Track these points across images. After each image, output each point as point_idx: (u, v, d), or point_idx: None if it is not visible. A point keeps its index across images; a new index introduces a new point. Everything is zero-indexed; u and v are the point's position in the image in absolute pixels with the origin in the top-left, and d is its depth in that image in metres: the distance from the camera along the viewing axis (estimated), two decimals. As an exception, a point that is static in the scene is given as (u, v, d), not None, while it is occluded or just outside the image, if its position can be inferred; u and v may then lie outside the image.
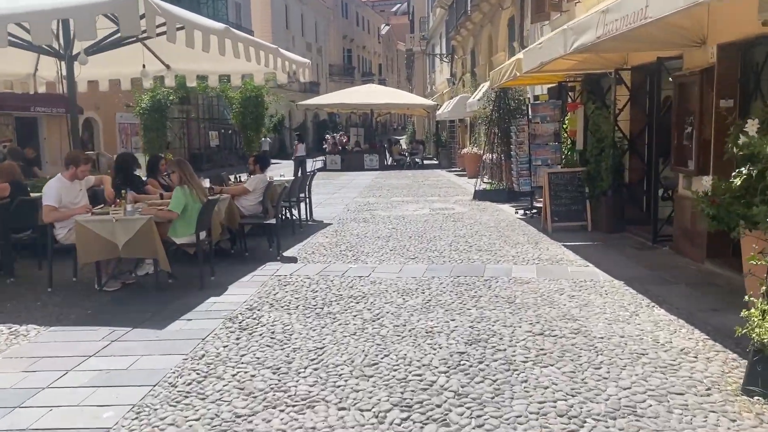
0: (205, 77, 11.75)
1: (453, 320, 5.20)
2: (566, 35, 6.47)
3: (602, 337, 4.70)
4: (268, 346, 4.71)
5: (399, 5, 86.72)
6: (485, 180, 15.01)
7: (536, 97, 12.56)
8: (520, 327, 5.00)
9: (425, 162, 31.05)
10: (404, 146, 36.36)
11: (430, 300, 5.86)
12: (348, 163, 29.20)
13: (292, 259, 7.96)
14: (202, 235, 6.70)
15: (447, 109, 24.49)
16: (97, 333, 5.12)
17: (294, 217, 11.11)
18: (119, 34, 7.25)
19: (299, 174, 21.56)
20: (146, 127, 13.02)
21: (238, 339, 4.90)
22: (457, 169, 26.37)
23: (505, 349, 4.49)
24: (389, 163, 30.95)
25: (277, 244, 8.42)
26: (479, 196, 14.37)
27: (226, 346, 4.75)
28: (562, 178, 9.63)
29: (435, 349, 4.52)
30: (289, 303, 5.91)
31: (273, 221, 7.86)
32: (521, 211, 11.91)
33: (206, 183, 10.53)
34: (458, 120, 28.01)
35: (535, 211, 11.59)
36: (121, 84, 11.19)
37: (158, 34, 6.85)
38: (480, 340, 4.69)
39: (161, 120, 13.01)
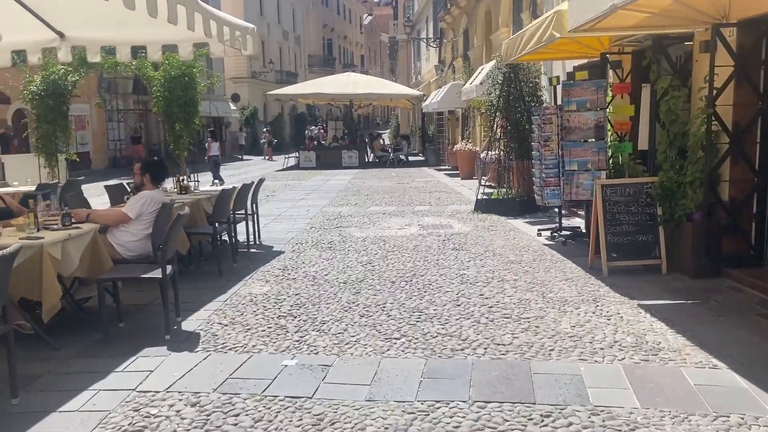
0: (113, 50, 8.46)
1: None
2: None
3: None
4: None
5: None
6: (486, 183, 11.81)
7: (570, 75, 9.44)
8: None
9: (410, 159, 27.83)
10: (387, 141, 33.08)
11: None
12: (324, 160, 25.90)
13: (190, 340, 4.68)
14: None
15: (436, 99, 21.28)
16: None
17: (235, 240, 7.87)
18: None
19: (217, 180, 18.44)
20: (39, 118, 9.61)
21: None
22: (447, 167, 23.23)
23: None
24: (370, 160, 27.72)
25: (175, 308, 5.12)
26: (482, 206, 11.17)
27: None
28: (622, 194, 6.43)
29: None
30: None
31: (158, 274, 4.57)
32: (546, 233, 8.72)
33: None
34: (447, 112, 24.81)
35: (568, 234, 8.41)
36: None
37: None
38: None
39: (59, 109, 9.63)
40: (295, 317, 5.12)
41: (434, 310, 5.22)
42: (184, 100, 9.32)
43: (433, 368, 4.00)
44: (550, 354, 4.19)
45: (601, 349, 4.27)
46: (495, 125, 11.39)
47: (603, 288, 5.82)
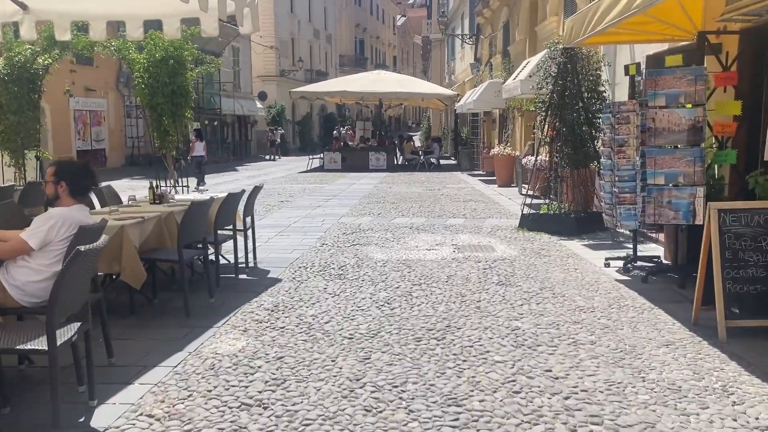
0: (86, 26, 6.89)
1: None
2: None
3: None
4: None
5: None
6: (529, 192, 9.93)
7: (658, 62, 7.50)
8: None
9: (442, 162, 25.97)
10: (418, 143, 31.26)
11: None
12: (350, 162, 24.21)
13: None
14: None
15: (471, 99, 19.41)
16: None
17: (217, 266, 6.19)
18: None
19: (201, 184, 16.79)
20: (2, 108, 8.05)
21: None
22: (481, 172, 21.34)
23: None
24: (399, 163, 25.95)
25: (88, 386, 3.41)
26: (528, 222, 9.30)
27: None
28: (750, 223, 4.53)
29: None
30: None
31: (42, 345, 2.84)
32: (616, 263, 6.83)
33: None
34: (483, 113, 22.92)
35: (649, 267, 6.52)
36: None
37: None
38: None
39: (27, 97, 8.04)
40: (265, 407, 3.36)
41: (480, 402, 3.40)
42: (171, 88, 7.67)
43: None
44: None
45: None
46: (545, 126, 9.51)
47: (728, 364, 3.94)
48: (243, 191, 6.73)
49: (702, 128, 5.87)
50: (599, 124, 9.15)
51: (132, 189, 14.87)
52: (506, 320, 4.91)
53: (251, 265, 7.06)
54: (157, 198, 6.36)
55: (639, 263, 6.71)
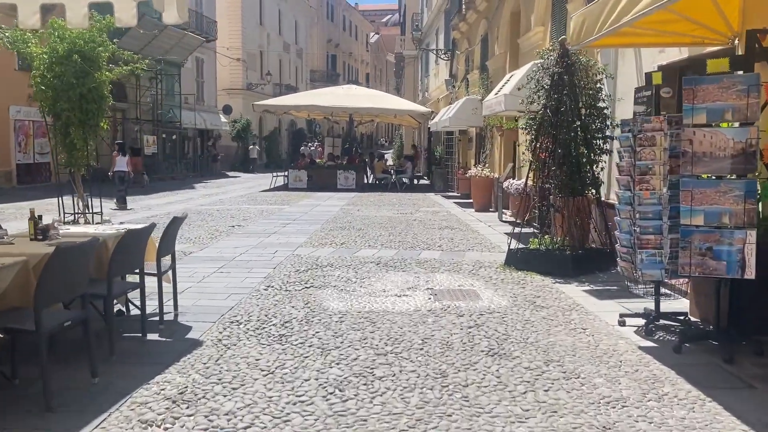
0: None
1: None
2: None
3: None
4: None
5: (390, 16, 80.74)
6: (516, 222, 8.52)
7: (672, 73, 6.09)
8: None
9: (415, 182, 24.59)
10: (390, 162, 29.83)
11: None
12: (317, 181, 22.70)
13: None
14: None
15: (447, 116, 18.09)
16: None
17: (110, 325, 4.62)
18: None
19: (122, 201, 15.55)
20: None
21: None
22: (456, 194, 20.03)
23: None
24: (370, 182, 24.50)
25: None
26: (517, 259, 7.87)
27: None
28: None
29: None
30: None
31: None
32: (633, 320, 5.40)
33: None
34: (458, 132, 21.65)
35: (681, 329, 5.10)
36: None
37: None
38: None
39: None
40: None
41: None
42: (78, 91, 6.10)
43: None
44: None
45: None
46: (536, 148, 8.13)
47: None
48: (153, 224, 5.16)
49: (755, 153, 4.52)
50: (599, 145, 7.84)
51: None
52: (506, 423, 3.42)
53: (170, 317, 5.49)
54: (40, 232, 4.76)
55: (662, 321, 5.31)
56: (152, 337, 5.04)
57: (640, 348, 4.80)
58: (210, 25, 34.51)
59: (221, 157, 34.65)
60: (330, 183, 22.48)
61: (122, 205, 15.50)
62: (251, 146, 37.78)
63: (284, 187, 22.54)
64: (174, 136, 29.98)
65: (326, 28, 63.39)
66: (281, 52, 48.36)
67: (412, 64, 42.13)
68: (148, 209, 15.57)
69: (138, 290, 5.03)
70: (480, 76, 18.00)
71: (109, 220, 7.65)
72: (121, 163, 16.11)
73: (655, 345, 4.90)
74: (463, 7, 20.30)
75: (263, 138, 42.11)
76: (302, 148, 33.73)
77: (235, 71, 39.89)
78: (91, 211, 6.95)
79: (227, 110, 37.68)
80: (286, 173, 23.46)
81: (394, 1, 62.77)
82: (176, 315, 5.61)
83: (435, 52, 27.05)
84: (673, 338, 5.00)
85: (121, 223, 6.56)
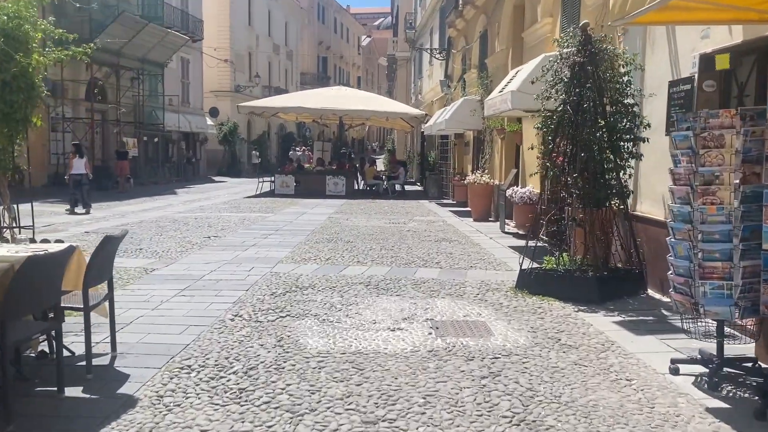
0: None
1: None
2: None
3: None
4: None
5: (382, 19, 79.74)
6: (513, 228, 7.37)
7: (710, 64, 5.03)
8: None
9: (407, 189, 23.46)
10: (382, 167, 28.69)
11: None
12: (305, 186, 21.52)
13: None
14: None
15: (443, 118, 17.00)
16: None
17: (18, 376, 3.46)
18: None
19: (80, 203, 14.77)
20: None
21: None
22: (451, 201, 18.93)
23: None
24: (360, 188, 23.36)
25: None
26: (531, 281, 6.71)
27: None
28: None
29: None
30: None
31: None
32: (687, 367, 4.27)
33: None
34: (454, 135, 20.54)
35: (757, 384, 3.97)
36: None
37: None
38: None
39: None
40: None
41: None
42: (1, 78, 4.95)
43: None
44: None
45: None
46: (553, 150, 7.01)
47: None
48: (72, 247, 3.98)
49: None
50: (627, 148, 6.72)
51: (43, 215, 11.87)
52: None
53: (105, 361, 4.32)
54: None
55: (726, 369, 4.18)
56: (73, 392, 3.86)
57: (708, 411, 3.67)
58: (196, 24, 33.29)
59: (195, 161, 33.50)
60: (319, 189, 21.33)
61: (76, 210, 14.47)
62: (253, 152, 37.98)
63: (270, 193, 21.35)
64: (156, 139, 28.69)
65: (317, 30, 62.31)
66: (271, 53, 47.19)
67: (404, 67, 41.06)
68: (121, 216, 14.36)
69: (74, 326, 3.86)
70: (479, 76, 16.89)
71: (33, 237, 6.43)
72: (78, 166, 15.03)
73: (727, 406, 3.77)
74: (460, 2, 19.21)
75: (252, 142, 40.87)
76: (290, 152, 32.57)
77: (223, 73, 38.65)
78: (18, 224, 5.77)
79: (214, 113, 36.44)
80: (272, 178, 22.28)
81: (387, 4, 61.69)
82: (113, 357, 4.45)
83: (429, 51, 25.93)
84: (747, 394, 3.89)
85: (57, 241, 5.37)
